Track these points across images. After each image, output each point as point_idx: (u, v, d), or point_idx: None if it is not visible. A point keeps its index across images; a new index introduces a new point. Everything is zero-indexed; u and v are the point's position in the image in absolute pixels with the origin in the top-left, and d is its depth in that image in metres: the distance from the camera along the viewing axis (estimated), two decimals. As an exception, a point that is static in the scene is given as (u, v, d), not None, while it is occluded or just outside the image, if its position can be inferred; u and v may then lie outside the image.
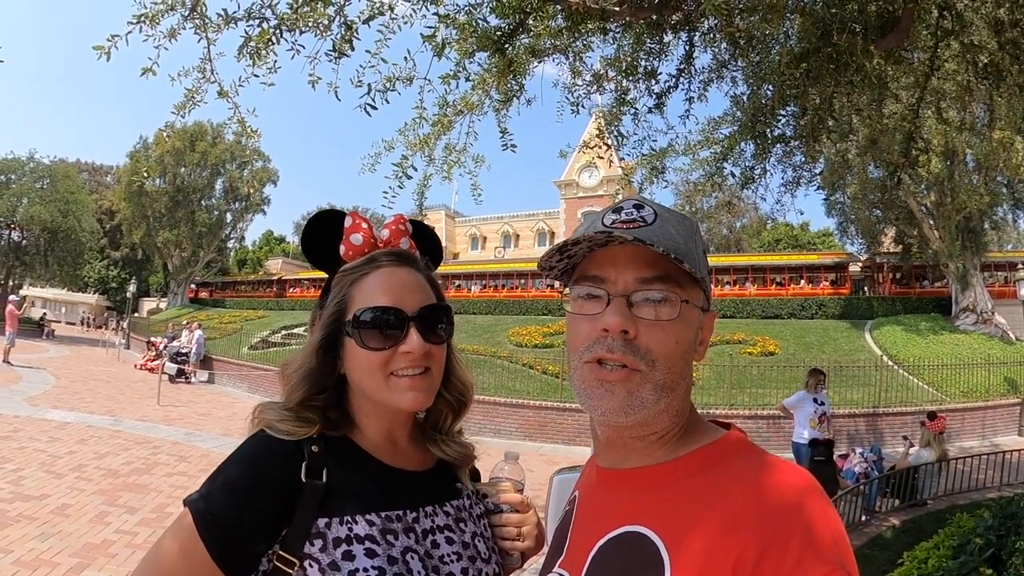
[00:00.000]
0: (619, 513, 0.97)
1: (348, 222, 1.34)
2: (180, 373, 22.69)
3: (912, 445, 11.05)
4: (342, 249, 1.33)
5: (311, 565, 1.09)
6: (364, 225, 1.34)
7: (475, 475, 1.49)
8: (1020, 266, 19.85)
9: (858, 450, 11.39)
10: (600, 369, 0.95)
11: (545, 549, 1.32)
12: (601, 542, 0.96)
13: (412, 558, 1.16)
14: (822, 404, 9.49)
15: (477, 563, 1.27)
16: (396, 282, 1.25)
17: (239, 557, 1.09)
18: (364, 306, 1.22)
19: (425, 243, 1.44)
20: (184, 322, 28.71)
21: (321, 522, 1.12)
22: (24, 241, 43.59)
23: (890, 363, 19.25)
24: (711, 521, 0.84)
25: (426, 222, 1.57)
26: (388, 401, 1.23)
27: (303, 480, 1.14)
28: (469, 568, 1.24)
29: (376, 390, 1.23)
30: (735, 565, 0.79)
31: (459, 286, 39.45)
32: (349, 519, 1.14)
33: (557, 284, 1.09)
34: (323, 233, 1.36)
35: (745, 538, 0.80)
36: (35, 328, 39.40)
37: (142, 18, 3.59)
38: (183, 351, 23.67)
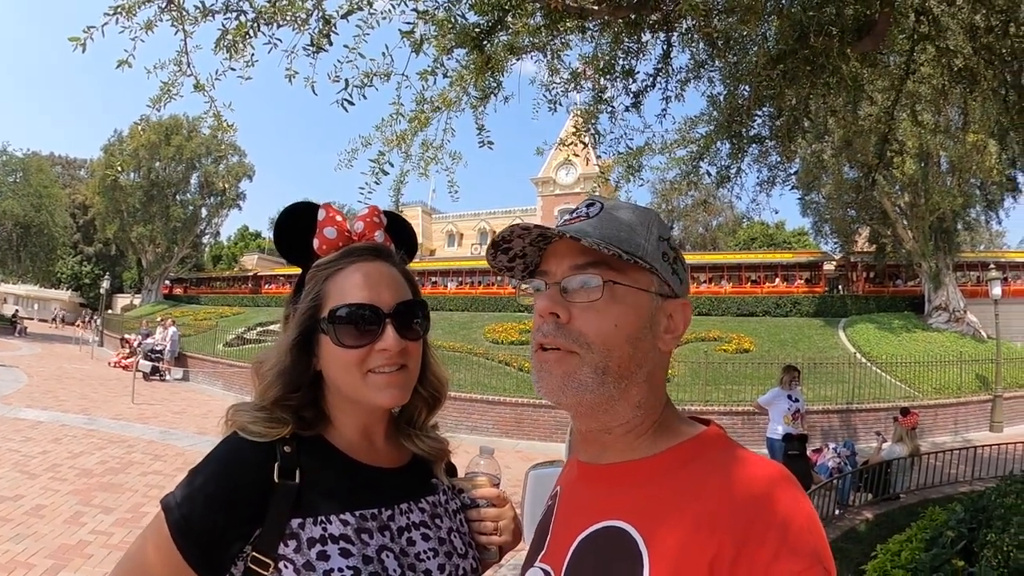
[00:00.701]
0: (599, 508, 0.98)
1: (321, 215, 1.31)
2: (154, 371, 22.43)
3: (885, 441, 11.18)
4: (315, 243, 1.30)
5: (286, 566, 1.08)
6: (338, 218, 1.31)
7: (451, 470, 1.47)
8: (992, 266, 20.18)
9: (832, 445, 11.53)
10: (543, 353, 0.99)
11: (522, 544, 1.33)
12: (581, 536, 0.97)
13: (387, 556, 1.15)
14: (796, 401, 9.57)
15: (454, 559, 1.26)
16: (372, 277, 1.23)
17: (213, 560, 1.09)
18: (339, 303, 1.20)
19: (400, 235, 1.41)
20: (158, 319, 28.41)
21: (295, 522, 1.11)
22: (-4, 236, 42.84)
23: (863, 360, 19.48)
24: (689, 517, 0.85)
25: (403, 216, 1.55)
26: (365, 398, 1.22)
27: (276, 481, 1.12)
28: (446, 564, 1.24)
29: (353, 388, 1.21)
30: (712, 561, 0.80)
31: (435, 283, 39.26)
32: (323, 519, 1.13)
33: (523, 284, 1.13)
34: (296, 227, 1.33)
35: (722, 534, 0.81)
36: (7, 325, 38.75)
37: (119, 10, 3.55)
38: (157, 348, 23.40)
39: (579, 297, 0.97)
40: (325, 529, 1.12)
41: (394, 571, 1.14)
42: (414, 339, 1.26)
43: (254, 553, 1.09)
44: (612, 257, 0.96)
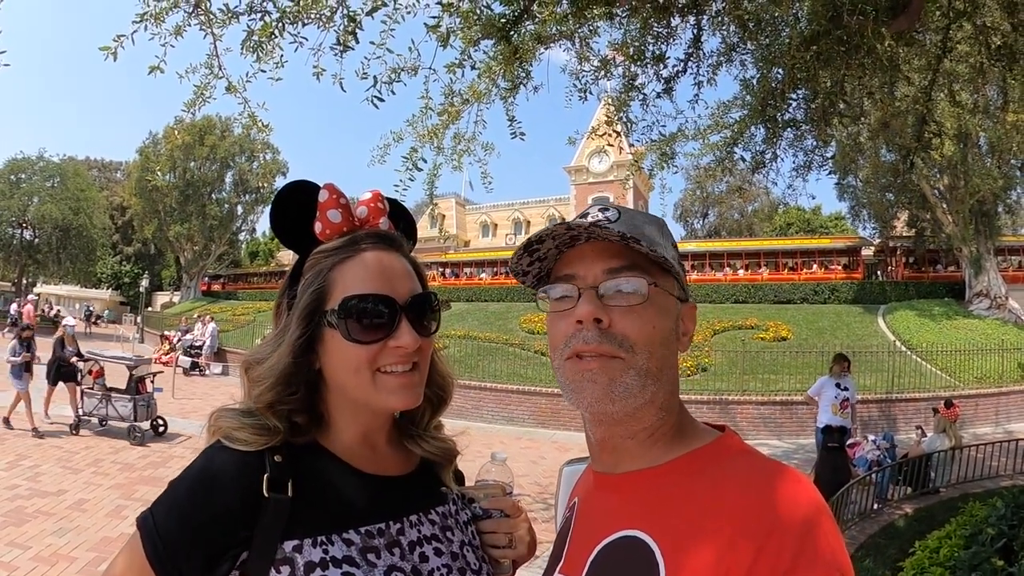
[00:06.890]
0: (615, 518, 0.97)
1: (323, 196, 1.16)
2: (194, 366, 22.93)
3: (924, 435, 11.00)
4: (317, 227, 1.16)
5: None
6: (343, 200, 1.17)
7: (459, 478, 1.37)
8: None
9: (871, 437, 11.34)
10: (580, 361, 0.96)
11: (539, 554, 1.29)
12: (599, 547, 0.96)
13: None
14: (845, 389, 9.43)
15: (467, 575, 1.17)
16: (385, 267, 1.12)
17: None
18: (351, 293, 1.08)
19: (400, 223, 1.27)
20: (197, 315, 28.90)
21: (289, 545, 0.99)
22: (36, 239, 43.84)
23: (903, 348, 19.13)
24: (708, 526, 0.84)
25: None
26: (374, 401, 1.11)
27: (265, 495, 1.00)
28: None
29: (360, 388, 1.10)
30: (730, 570, 0.79)
31: (470, 273, 39.51)
32: (324, 540, 1.02)
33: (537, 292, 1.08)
34: (294, 207, 1.19)
35: (741, 544, 0.80)
36: (50, 325, 39.67)
37: (146, 16, 3.59)
38: (197, 344, 23.91)
39: (619, 300, 0.95)
40: (326, 551, 1.01)
41: None
42: (428, 335, 1.16)
43: None
44: (645, 260, 0.96)
